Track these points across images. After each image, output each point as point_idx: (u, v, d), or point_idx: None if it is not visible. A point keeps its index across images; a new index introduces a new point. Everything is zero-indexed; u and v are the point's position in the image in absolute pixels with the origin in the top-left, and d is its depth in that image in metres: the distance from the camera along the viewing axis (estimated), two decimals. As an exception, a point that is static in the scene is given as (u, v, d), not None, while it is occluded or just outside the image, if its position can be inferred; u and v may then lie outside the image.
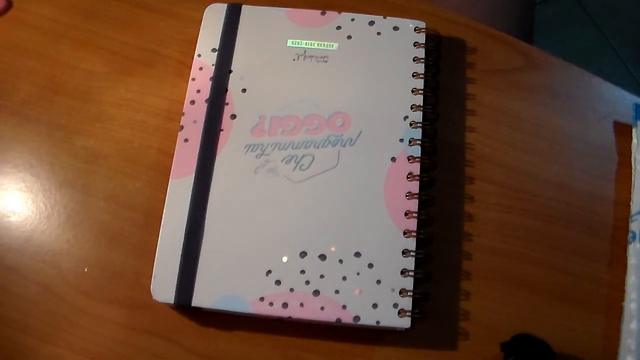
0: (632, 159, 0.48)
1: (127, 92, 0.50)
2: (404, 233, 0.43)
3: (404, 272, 0.42)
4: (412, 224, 0.43)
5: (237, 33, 0.49)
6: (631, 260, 0.45)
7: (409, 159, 0.45)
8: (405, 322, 0.41)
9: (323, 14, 0.50)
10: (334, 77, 0.48)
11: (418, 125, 0.46)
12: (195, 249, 0.43)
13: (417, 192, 0.44)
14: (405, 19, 0.49)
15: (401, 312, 0.41)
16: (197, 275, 0.42)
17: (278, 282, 0.42)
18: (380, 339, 0.44)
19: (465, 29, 0.52)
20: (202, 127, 0.46)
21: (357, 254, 0.43)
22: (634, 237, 0.45)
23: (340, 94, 0.47)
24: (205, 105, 0.47)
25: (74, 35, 0.52)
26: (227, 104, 0.47)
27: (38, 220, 0.47)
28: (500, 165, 0.48)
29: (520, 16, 0.70)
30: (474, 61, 0.51)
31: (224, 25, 0.49)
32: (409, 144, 0.45)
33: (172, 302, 0.42)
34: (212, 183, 0.45)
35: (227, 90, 0.47)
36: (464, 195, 0.47)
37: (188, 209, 0.44)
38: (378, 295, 0.42)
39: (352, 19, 0.49)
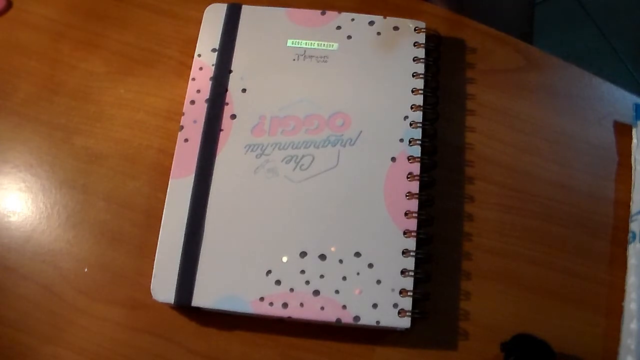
0: (632, 159, 0.48)
1: (127, 92, 0.50)
2: (404, 233, 0.43)
3: (404, 272, 0.42)
4: (412, 224, 0.43)
5: (237, 33, 0.49)
6: (631, 260, 0.45)
7: (409, 159, 0.45)
8: (405, 322, 0.41)
9: (323, 14, 0.50)
10: (334, 77, 0.48)
11: (418, 125, 0.46)
12: (195, 249, 0.43)
13: (417, 192, 0.44)
14: (405, 19, 0.49)
15: (401, 312, 0.41)
16: (197, 275, 0.42)
17: (278, 282, 0.42)
18: (380, 339, 0.44)
19: (465, 29, 0.52)
20: (202, 127, 0.46)
21: (357, 254, 0.43)
22: (634, 237, 0.45)
23: (340, 94, 0.47)
24: (205, 105, 0.47)
25: (74, 35, 0.52)
26: (227, 104, 0.47)
27: (38, 220, 0.47)
28: (500, 165, 0.48)
29: (520, 16, 0.70)
30: (474, 61, 0.51)
31: (224, 25, 0.49)
32: (409, 144, 0.45)
33: (172, 302, 0.42)
34: (212, 183, 0.45)
35: (227, 90, 0.47)
36: (464, 195, 0.47)
37: (188, 209, 0.44)
38: (378, 295, 0.42)
39: (352, 19, 0.49)
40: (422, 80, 0.47)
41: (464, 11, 0.53)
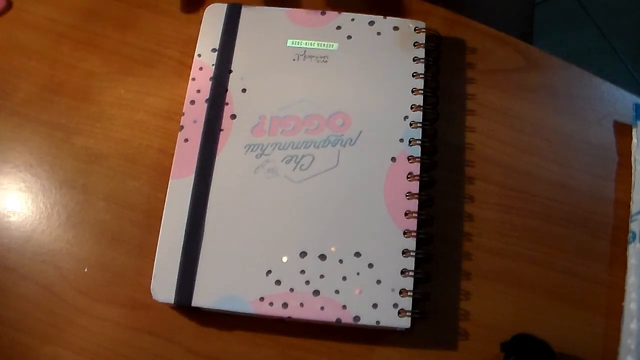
0: (632, 159, 0.48)
1: (127, 92, 0.50)
2: (404, 233, 0.43)
3: (404, 272, 0.42)
4: (412, 224, 0.43)
5: (237, 33, 0.49)
6: (631, 260, 0.45)
7: (409, 159, 0.45)
8: (405, 322, 0.41)
9: (323, 14, 0.50)
10: (334, 77, 0.48)
11: (418, 125, 0.46)
12: (195, 249, 0.43)
13: (417, 192, 0.44)
14: (405, 19, 0.49)
15: (401, 312, 0.41)
16: (197, 275, 0.42)
17: (278, 282, 0.42)
18: (380, 339, 0.44)
19: (465, 29, 0.52)
20: (202, 127, 0.46)
21: (357, 254, 0.43)
22: (634, 237, 0.45)
23: (340, 94, 0.47)
24: (205, 105, 0.47)
25: (74, 35, 0.52)
26: (227, 104, 0.47)
27: (38, 220, 0.47)
28: (500, 165, 0.48)
29: (520, 16, 0.70)
30: (474, 61, 0.51)
31: (224, 25, 0.49)
32: (409, 144, 0.45)
33: (172, 302, 0.42)
34: (212, 183, 0.45)
35: (227, 90, 0.47)
36: (464, 195, 0.47)
37: (188, 209, 0.44)
38: (378, 295, 0.42)
39: (352, 19, 0.49)
40: (422, 80, 0.47)
41: (464, 11, 0.53)
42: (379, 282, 0.42)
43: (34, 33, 0.52)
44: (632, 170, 0.48)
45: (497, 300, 0.45)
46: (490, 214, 0.47)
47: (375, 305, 0.41)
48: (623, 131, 0.50)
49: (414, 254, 0.43)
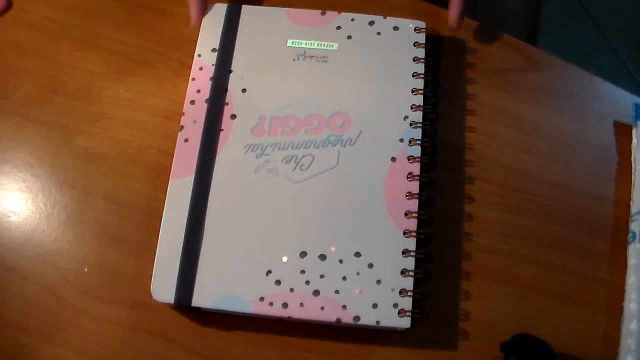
0: (632, 159, 0.48)
1: (127, 92, 0.50)
2: (404, 233, 0.43)
3: (404, 272, 0.42)
4: (412, 224, 0.43)
5: (237, 33, 0.49)
6: (631, 260, 0.45)
7: (409, 159, 0.45)
8: (405, 322, 0.41)
9: (323, 14, 0.50)
10: (334, 77, 0.48)
11: (418, 125, 0.46)
12: (195, 249, 0.43)
13: (417, 192, 0.44)
14: (405, 19, 0.49)
15: (401, 312, 0.41)
16: (197, 275, 0.42)
17: (278, 282, 0.42)
18: (380, 339, 0.44)
19: (465, 29, 0.52)
20: (202, 127, 0.46)
21: (357, 254, 0.43)
22: (634, 237, 0.45)
23: (340, 94, 0.47)
24: (205, 105, 0.47)
25: (74, 35, 0.52)
26: (227, 104, 0.47)
27: (38, 220, 0.47)
28: (500, 165, 0.48)
29: (521, 16, 0.70)
30: (474, 61, 0.51)
31: (224, 25, 0.49)
32: (409, 144, 0.45)
33: (172, 302, 0.42)
34: (212, 183, 0.45)
35: (227, 90, 0.47)
36: (464, 195, 0.47)
37: (188, 209, 0.44)
38: (378, 295, 0.42)
39: (352, 19, 0.49)
40: (422, 80, 0.47)
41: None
42: (379, 282, 0.42)
43: (34, 33, 0.52)
44: (632, 170, 0.48)
45: (497, 300, 0.45)
46: (490, 214, 0.47)
47: (375, 305, 0.41)
48: (623, 131, 0.50)
49: (414, 254, 0.43)
